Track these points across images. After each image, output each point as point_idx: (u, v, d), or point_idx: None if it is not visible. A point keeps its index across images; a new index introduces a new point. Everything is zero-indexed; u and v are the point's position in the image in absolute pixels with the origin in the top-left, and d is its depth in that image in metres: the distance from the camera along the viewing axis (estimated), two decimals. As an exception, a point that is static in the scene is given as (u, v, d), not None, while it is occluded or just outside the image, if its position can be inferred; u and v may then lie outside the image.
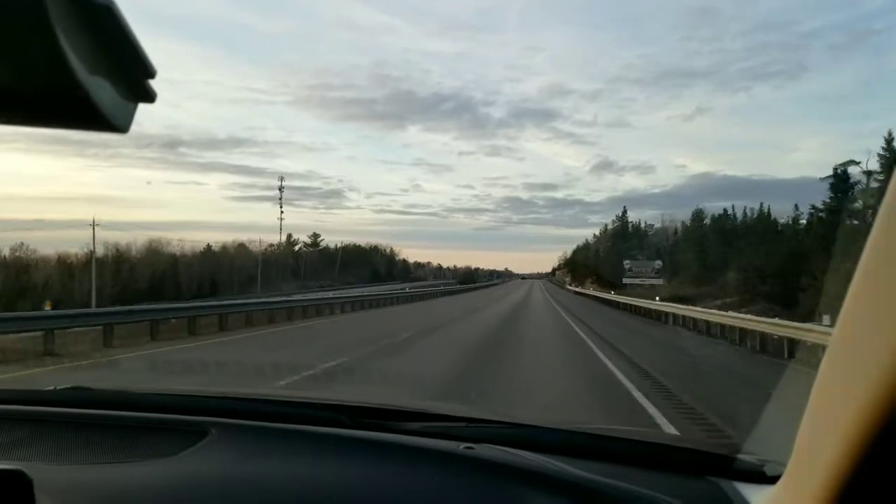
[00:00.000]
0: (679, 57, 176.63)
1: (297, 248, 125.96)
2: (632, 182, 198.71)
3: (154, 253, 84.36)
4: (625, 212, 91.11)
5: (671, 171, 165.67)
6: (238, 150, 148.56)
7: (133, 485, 1.16)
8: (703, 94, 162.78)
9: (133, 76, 0.46)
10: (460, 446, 1.28)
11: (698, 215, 70.93)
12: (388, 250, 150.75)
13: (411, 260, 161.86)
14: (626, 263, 60.34)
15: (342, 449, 1.31)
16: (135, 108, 0.48)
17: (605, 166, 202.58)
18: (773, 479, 1.07)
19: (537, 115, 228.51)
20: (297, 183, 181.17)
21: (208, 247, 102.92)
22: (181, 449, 1.28)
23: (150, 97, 0.48)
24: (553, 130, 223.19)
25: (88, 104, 0.42)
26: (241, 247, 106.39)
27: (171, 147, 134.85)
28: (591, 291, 60.84)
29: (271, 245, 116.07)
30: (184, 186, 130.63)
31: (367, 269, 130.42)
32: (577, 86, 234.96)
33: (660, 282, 54.58)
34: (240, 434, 1.39)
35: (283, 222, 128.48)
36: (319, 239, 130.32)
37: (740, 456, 1.30)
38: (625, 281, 56.62)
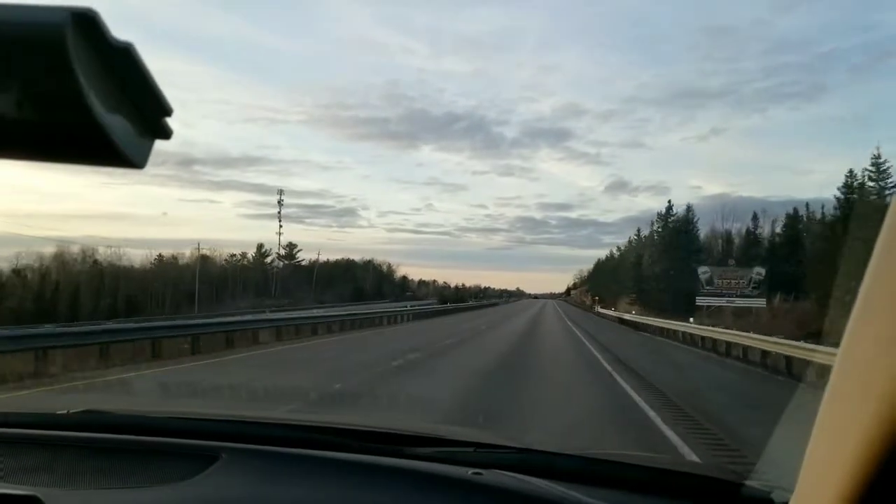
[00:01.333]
0: (694, 77, 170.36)
1: (269, 260, 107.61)
2: (646, 202, 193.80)
3: (66, 265, 67.00)
4: (668, 209, 64.86)
5: (686, 191, 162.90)
6: (252, 168, 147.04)
7: None
8: (718, 115, 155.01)
9: (150, 114, 0.47)
10: (468, 472, 1.27)
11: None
12: (385, 267, 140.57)
13: (416, 278, 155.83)
14: (703, 272, 37.83)
15: (351, 474, 1.32)
16: (151, 145, 0.49)
17: (619, 186, 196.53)
18: None
19: (551, 134, 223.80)
20: (310, 201, 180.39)
21: (159, 257, 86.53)
22: (192, 474, 1.28)
23: (166, 134, 0.49)
24: (567, 150, 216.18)
25: (106, 141, 0.43)
26: (205, 259, 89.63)
27: (185, 165, 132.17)
28: (651, 320, 33.84)
29: (233, 255, 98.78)
30: (198, 204, 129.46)
31: (353, 286, 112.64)
32: (592, 105, 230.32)
33: (761, 302, 34.33)
34: (250, 458, 1.39)
35: (297, 240, 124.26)
36: (296, 250, 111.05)
37: (748, 482, 1.29)
38: (700, 302, 35.91)
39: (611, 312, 51.23)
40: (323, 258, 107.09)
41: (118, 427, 1.57)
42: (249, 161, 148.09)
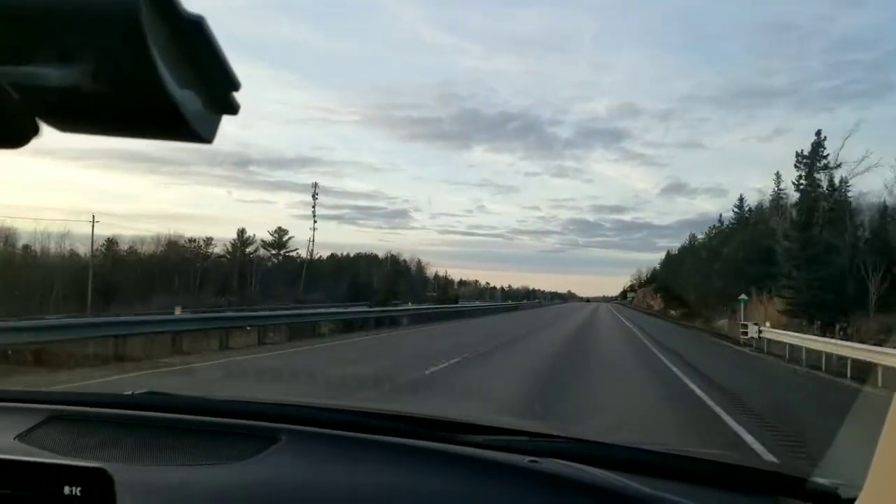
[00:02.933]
0: (756, 75, 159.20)
1: (252, 250, 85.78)
2: (704, 205, 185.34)
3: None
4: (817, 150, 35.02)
5: (746, 194, 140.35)
6: (306, 169, 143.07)
7: (205, 486, 1.19)
8: (781, 115, 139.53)
9: (219, 89, 0.47)
10: (525, 459, 1.26)
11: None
12: (413, 263, 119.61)
13: (460, 277, 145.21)
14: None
15: (409, 459, 1.32)
16: (219, 120, 0.49)
17: (675, 188, 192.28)
18: (847, 502, 1.05)
19: (606, 135, 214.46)
20: (362, 203, 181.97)
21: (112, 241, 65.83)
22: (252, 453, 1.29)
23: (234, 109, 0.49)
24: (622, 151, 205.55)
25: (177, 115, 0.43)
26: (172, 245, 69.09)
27: (241, 165, 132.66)
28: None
29: (192, 240, 77.22)
30: (253, 205, 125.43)
31: (354, 283, 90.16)
32: (648, 105, 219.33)
33: None
34: (310, 440, 1.40)
35: (351, 242, 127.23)
36: (286, 238, 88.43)
37: (813, 478, 1.25)
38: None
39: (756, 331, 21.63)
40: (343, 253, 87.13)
41: (180, 408, 1.61)
42: (303, 162, 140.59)
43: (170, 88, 0.42)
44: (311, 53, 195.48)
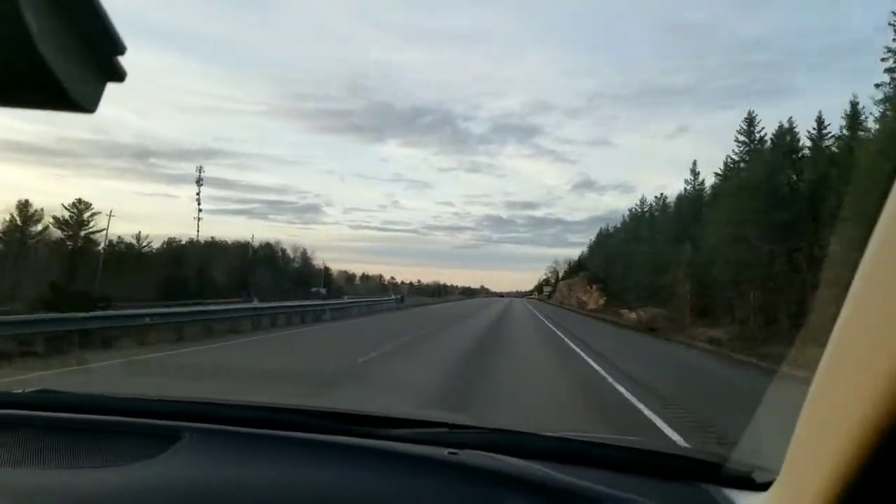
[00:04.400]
0: (660, 74, 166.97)
1: (38, 230, 60.29)
2: (613, 202, 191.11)
3: None
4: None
5: (652, 190, 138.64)
6: (211, 161, 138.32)
7: (103, 489, 1.11)
8: (684, 113, 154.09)
9: (101, 53, 0.43)
10: (445, 452, 1.25)
11: None
12: (295, 253, 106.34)
13: (368, 273, 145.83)
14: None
15: (323, 454, 1.28)
16: (103, 88, 0.44)
17: (586, 185, 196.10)
18: (762, 486, 1.05)
19: (519, 131, 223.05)
20: (272, 197, 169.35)
21: None
22: (153, 453, 1.23)
23: (119, 76, 0.45)
24: (534, 147, 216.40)
25: (53, 81, 0.39)
26: None
27: (141, 157, 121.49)
28: None
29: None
30: (154, 199, 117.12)
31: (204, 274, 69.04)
32: (560, 102, 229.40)
33: None
34: (215, 438, 1.33)
35: (259, 237, 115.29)
36: (89, 214, 62.92)
37: (728, 463, 1.26)
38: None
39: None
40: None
41: (75, 407, 1.51)
42: (207, 154, 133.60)
43: (45, 53, 0.37)
44: (215, 41, 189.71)
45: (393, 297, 37.09)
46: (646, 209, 48.73)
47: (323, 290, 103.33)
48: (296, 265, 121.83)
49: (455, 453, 1.23)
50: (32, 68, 0.37)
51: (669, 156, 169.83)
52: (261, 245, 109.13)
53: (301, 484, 1.15)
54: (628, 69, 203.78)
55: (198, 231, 76.57)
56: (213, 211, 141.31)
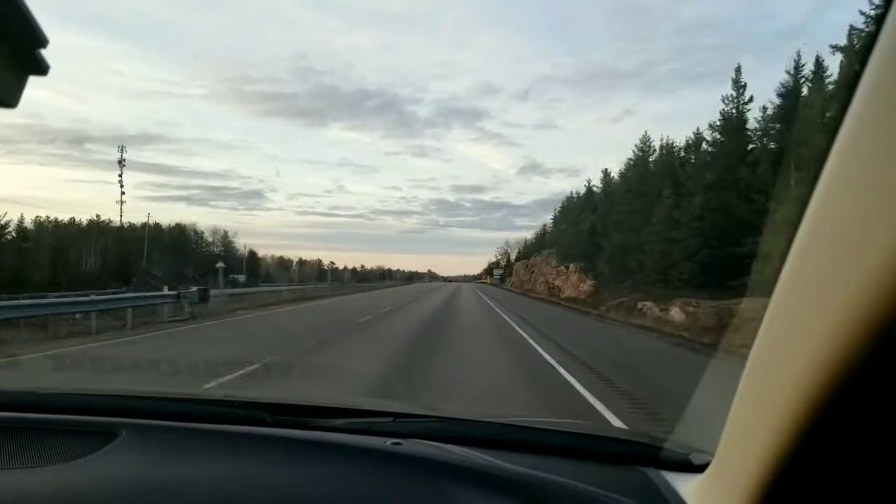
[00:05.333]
0: (608, 57, 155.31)
1: None
2: (559, 185, 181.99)
3: None
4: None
5: (597, 174, 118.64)
6: (150, 146, 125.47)
7: (38, 490, 1.08)
8: (630, 96, 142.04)
9: (22, 46, 0.41)
10: (387, 442, 1.23)
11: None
12: (214, 236, 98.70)
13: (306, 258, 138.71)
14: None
15: (262, 448, 1.24)
16: (24, 81, 0.42)
17: (532, 168, 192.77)
18: (699, 468, 1.07)
19: (465, 114, 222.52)
20: (213, 182, 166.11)
21: None
22: (89, 452, 1.19)
23: (41, 69, 0.43)
24: (480, 131, 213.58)
25: None
26: None
27: (77, 143, 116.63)
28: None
29: None
30: (91, 185, 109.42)
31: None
32: (506, 84, 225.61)
33: None
34: (153, 435, 1.30)
35: (201, 223, 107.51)
36: None
37: (666, 446, 1.28)
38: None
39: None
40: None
41: (6, 405, 1.46)
42: (147, 139, 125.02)
43: None
44: (156, 23, 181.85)
45: (179, 291, 19.06)
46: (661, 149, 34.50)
47: (241, 278, 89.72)
48: (216, 250, 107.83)
49: (398, 443, 1.22)
50: None
51: (615, 139, 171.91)
52: (169, 228, 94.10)
53: (238, 478, 1.11)
54: (577, 52, 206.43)
55: (121, 216, 69.04)
56: (153, 198, 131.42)
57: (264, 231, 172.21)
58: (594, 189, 44.72)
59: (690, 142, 30.68)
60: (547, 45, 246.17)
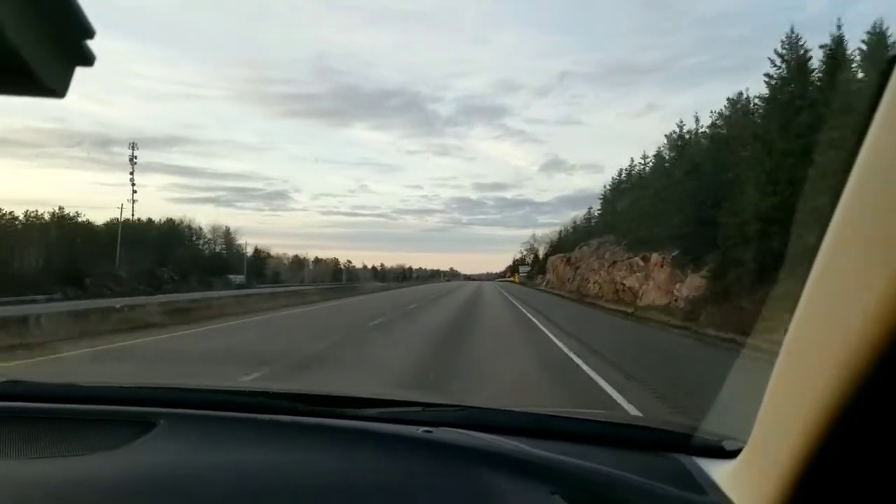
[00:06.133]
0: (631, 51, 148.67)
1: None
2: (581, 182, 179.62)
3: None
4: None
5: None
6: (175, 149, 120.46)
7: (79, 478, 1.08)
8: (653, 91, 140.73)
9: (70, 36, 0.41)
10: (419, 430, 1.24)
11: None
12: (219, 234, 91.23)
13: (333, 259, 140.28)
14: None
15: (297, 436, 1.25)
16: (72, 72, 0.43)
17: (554, 165, 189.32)
18: (731, 454, 1.07)
19: (487, 112, 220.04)
20: (238, 184, 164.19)
21: None
22: (128, 441, 1.20)
23: (87, 60, 0.43)
24: (502, 128, 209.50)
25: (21, 65, 0.37)
26: None
27: (102, 146, 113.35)
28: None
29: None
30: (119, 189, 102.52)
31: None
32: (528, 81, 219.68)
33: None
34: (190, 424, 1.32)
35: (226, 224, 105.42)
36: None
37: (698, 433, 1.26)
38: None
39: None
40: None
41: (46, 397, 1.48)
42: (172, 141, 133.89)
43: (11, 36, 0.35)
44: (177, 25, 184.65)
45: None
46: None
47: (239, 279, 79.83)
48: (216, 248, 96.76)
49: (430, 431, 1.22)
50: (0, 51, 0.36)
51: (638, 135, 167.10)
52: (160, 223, 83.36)
53: (274, 465, 1.12)
54: (600, 47, 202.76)
55: (133, 213, 67.08)
56: (179, 199, 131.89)
57: (289, 231, 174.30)
58: (682, 139, 30.36)
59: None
60: (568, 39, 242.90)
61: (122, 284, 54.52)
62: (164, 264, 69.06)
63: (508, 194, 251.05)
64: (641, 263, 28.17)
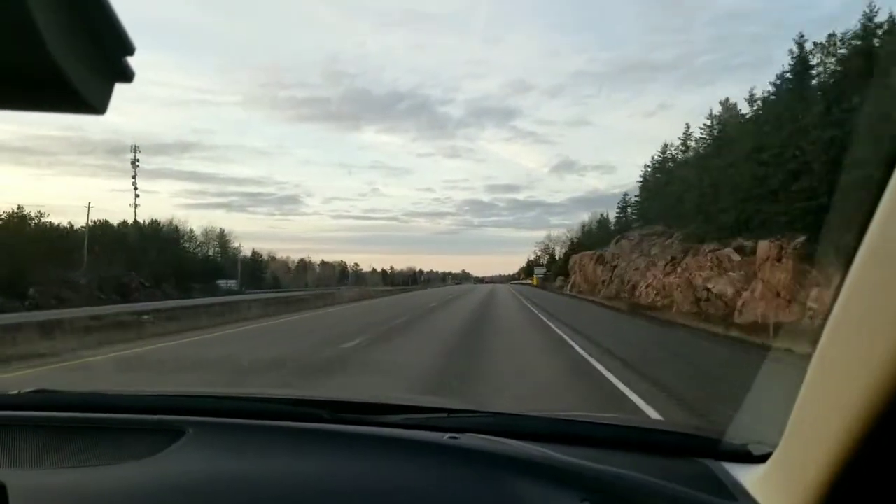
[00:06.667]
0: (643, 50, 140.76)
1: None
2: (593, 182, 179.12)
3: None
4: None
5: (632, 170, 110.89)
6: (187, 154, 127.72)
7: (109, 487, 1.09)
8: (665, 90, 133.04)
9: (111, 53, 0.41)
10: (444, 436, 1.23)
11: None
12: (212, 237, 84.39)
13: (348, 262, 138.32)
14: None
15: (324, 443, 1.25)
16: (112, 88, 0.43)
17: (566, 166, 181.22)
18: (760, 459, 1.06)
19: (497, 113, 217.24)
20: (250, 189, 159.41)
21: None
22: (158, 450, 1.21)
23: (127, 76, 0.43)
24: (513, 130, 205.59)
25: (63, 82, 0.37)
26: None
27: (115, 153, 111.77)
28: None
29: None
30: (132, 195, 79.66)
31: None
32: (538, 81, 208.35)
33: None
34: (218, 432, 1.32)
35: (238, 231, 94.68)
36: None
37: (725, 438, 1.25)
38: None
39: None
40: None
41: (74, 406, 1.47)
42: (183, 147, 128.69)
43: (55, 54, 0.35)
44: (187, 31, 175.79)
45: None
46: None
47: (230, 284, 75.09)
48: (210, 252, 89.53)
49: (455, 437, 1.21)
50: (41, 68, 0.36)
51: (649, 134, 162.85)
52: (146, 224, 76.39)
53: (301, 472, 1.13)
54: (610, 46, 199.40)
55: (135, 216, 67.60)
56: (192, 205, 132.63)
57: (301, 236, 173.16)
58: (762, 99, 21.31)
59: None
60: (579, 39, 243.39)
61: (80, 293, 46.87)
62: (142, 270, 61.62)
63: (520, 196, 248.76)
64: (736, 258, 19.08)
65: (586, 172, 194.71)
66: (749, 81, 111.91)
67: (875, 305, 0.54)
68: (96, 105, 0.41)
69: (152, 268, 62.87)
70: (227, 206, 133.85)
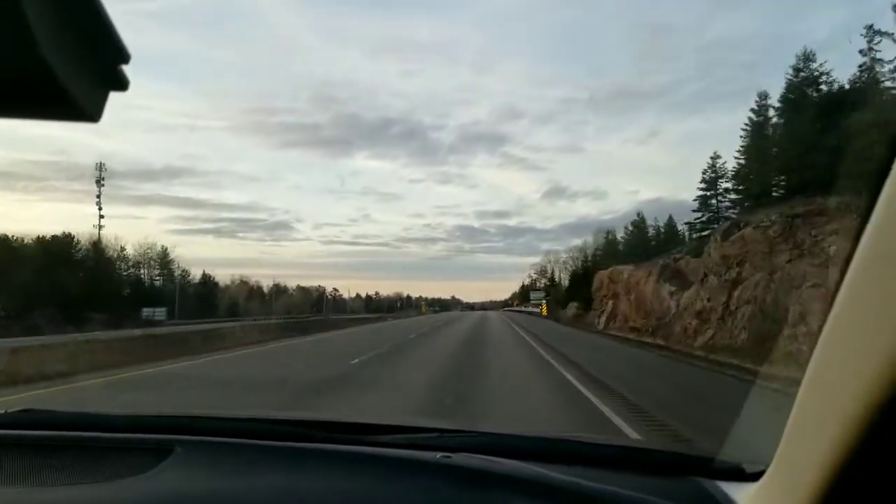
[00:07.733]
0: (632, 77, 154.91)
1: None
2: (584, 209, 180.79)
3: None
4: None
5: (623, 196, 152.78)
6: (176, 181, 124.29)
7: None
8: (655, 117, 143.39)
9: (106, 61, 0.41)
10: (437, 455, 1.22)
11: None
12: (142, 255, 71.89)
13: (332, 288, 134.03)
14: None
15: (314, 463, 1.24)
16: (107, 96, 0.43)
17: (556, 192, 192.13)
18: (753, 477, 1.05)
19: (488, 139, 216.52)
20: (240, 215, 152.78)
21: None
22: (145, 468, 1.20)
23: (122, 85, 0.43)
24: (504, 156, 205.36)
25: (58, 90, 0.37)
26: None
27: (104, 179, 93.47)
28: None
29: None
30: (121, 222, 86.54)
31: None
32: (529, 108, 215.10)
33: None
34: (206, 451, 1.30)
35: (229, 256, 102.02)
36: None
37: (718, 457, 1.25)
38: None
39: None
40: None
41: (61, 425, 1.45)
42: (173, 173, 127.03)
43: (50, 61, 0.35)
44: (177, 56, 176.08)
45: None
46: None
47: (156, 313, 61.58)
48: (152, 273, 72.26)
49: (448, 457, 1.21)
50: (36, 75, 0.35)
51: (641, 161, 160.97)
52: (52, 238, 62.15)
53: (291, 492, 1.12)
54: (600, 74, 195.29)
55: (99, 237, 59.72)
56: (180, 231, 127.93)
57: (291, 262, 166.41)
58: None
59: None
60: (569, 67, 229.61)
61: None
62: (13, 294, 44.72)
63: (511, 222, 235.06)
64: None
65: (577, 199, 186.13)
66: (736, 110, 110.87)
67: (864, 323, 0.54)
68: (91, 113, 0.40)
69: (27, 291, 45.94)
70: (217, 232, 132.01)
